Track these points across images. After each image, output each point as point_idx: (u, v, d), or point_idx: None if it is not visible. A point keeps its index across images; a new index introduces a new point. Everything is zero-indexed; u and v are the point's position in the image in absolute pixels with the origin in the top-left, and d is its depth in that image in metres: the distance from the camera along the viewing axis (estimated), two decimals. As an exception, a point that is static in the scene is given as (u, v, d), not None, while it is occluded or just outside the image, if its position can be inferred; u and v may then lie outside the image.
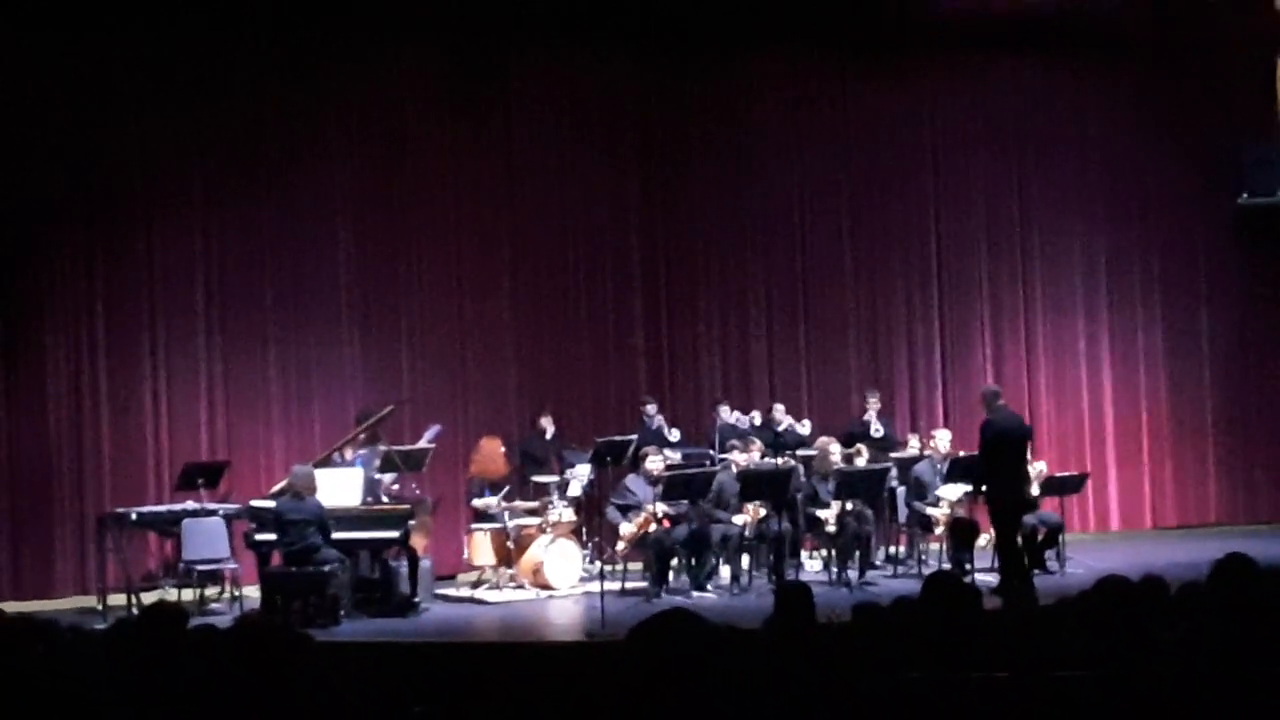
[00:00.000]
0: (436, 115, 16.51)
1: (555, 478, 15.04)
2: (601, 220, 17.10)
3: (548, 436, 15.85)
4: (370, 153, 16.22)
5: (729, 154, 17.50)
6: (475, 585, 14.67)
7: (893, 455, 15.58)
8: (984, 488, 13.18)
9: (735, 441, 14.91)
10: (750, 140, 17.60)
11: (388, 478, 14.31)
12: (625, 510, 13.85)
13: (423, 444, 14.67)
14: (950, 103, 18.20)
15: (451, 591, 14.63)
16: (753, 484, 13.92)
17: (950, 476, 14.29)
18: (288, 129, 15.87)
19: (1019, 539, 13.12)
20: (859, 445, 15.55)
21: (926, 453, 15.12)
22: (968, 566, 13.75)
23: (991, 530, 14.05)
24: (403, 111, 16.39)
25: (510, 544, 14.45)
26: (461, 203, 16.57)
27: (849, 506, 14.11)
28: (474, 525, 14.78)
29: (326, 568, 12.70)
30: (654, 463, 13.93)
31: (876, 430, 16.19)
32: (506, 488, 14.92)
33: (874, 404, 16.59)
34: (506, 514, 14.54)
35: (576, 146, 17.05)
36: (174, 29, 15.15)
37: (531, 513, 14.63)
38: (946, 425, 16.47)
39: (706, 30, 16.93)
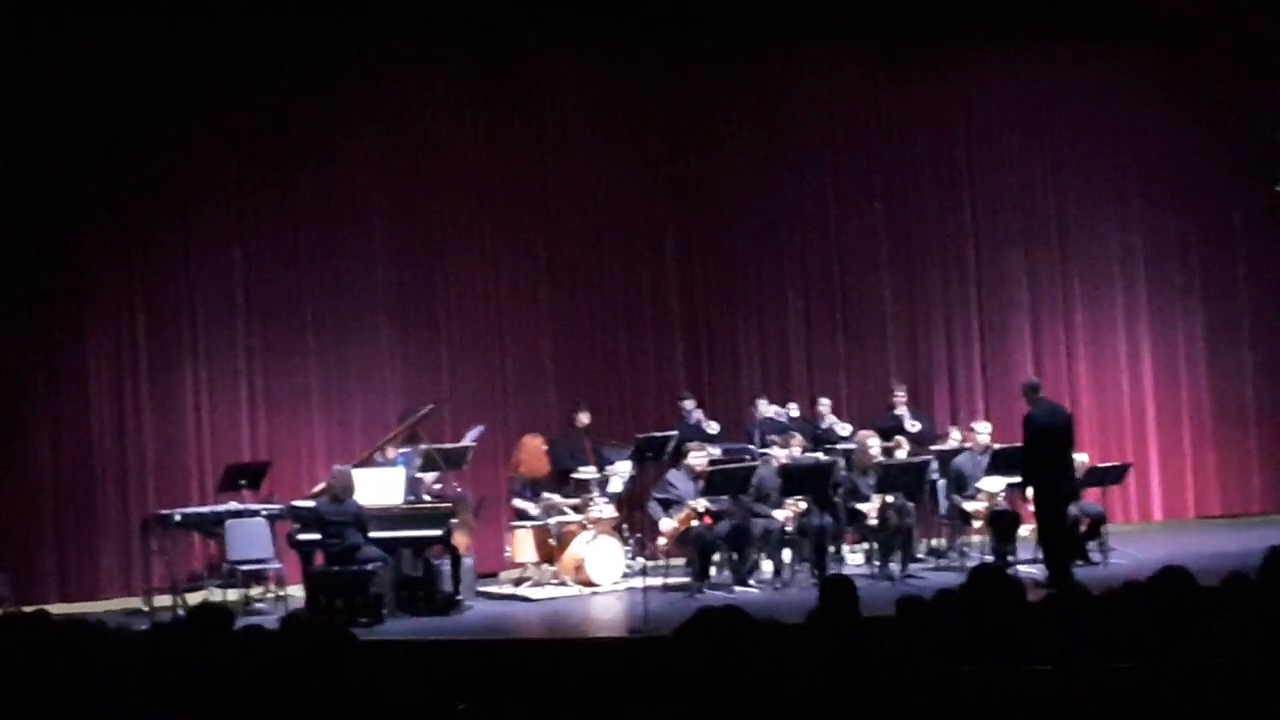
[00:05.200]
0: (469, 112, 16.53)
1: (593, 473, 15.03)
2: (636, 216, 17.09)
3: (584, 432, 15.78)
4: (404, 152, 16.24)
5: (763, 146, 17.45)
6: (517, 582, 14.70)
7: (933, 448, 15.53)
8: (1028, 480, 13.24)
9: (776, 436, 14.89)
10: (783, 132, 17.55)
11: (429, 476, 14.35)
12: (667, 506, 13.86)
13: (464, 443, 14.71)
14: (983, 92, 18.13)
15: (494, 589, 14.67)
16: (794, 478, 13.95)
17: (991, 469, 14.23)
18: (321, 131, 15.90)
19: (1062, 531, 13.15)
20: (898, 438, 15.49)
21: (967, 445, 15.06)
22: (1010, 558, 13.74)
23: (1034, 521, 14.07)
24: (435, 110, 16.42)
25: (552, 541, 14.48)
26: (495, 201, 16.58)
27: (890, 500, 14.09)
28: (515, 522, 14.81)
29: (369, 567, 12.76)
30: (697, 458, 13.93)
31: (912, 425, 16.12)
32: (545, 492, 14.90)
33: (901, 396, 16.51)
34: (547, 511, 14.58)
35: (609, 141, 17.04)
36: (206, 31, 15.19)
37: (573, 509, 14.65)
38: (986, 417, 16.39)
39: (737, 21, 16.89)
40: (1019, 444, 13.66)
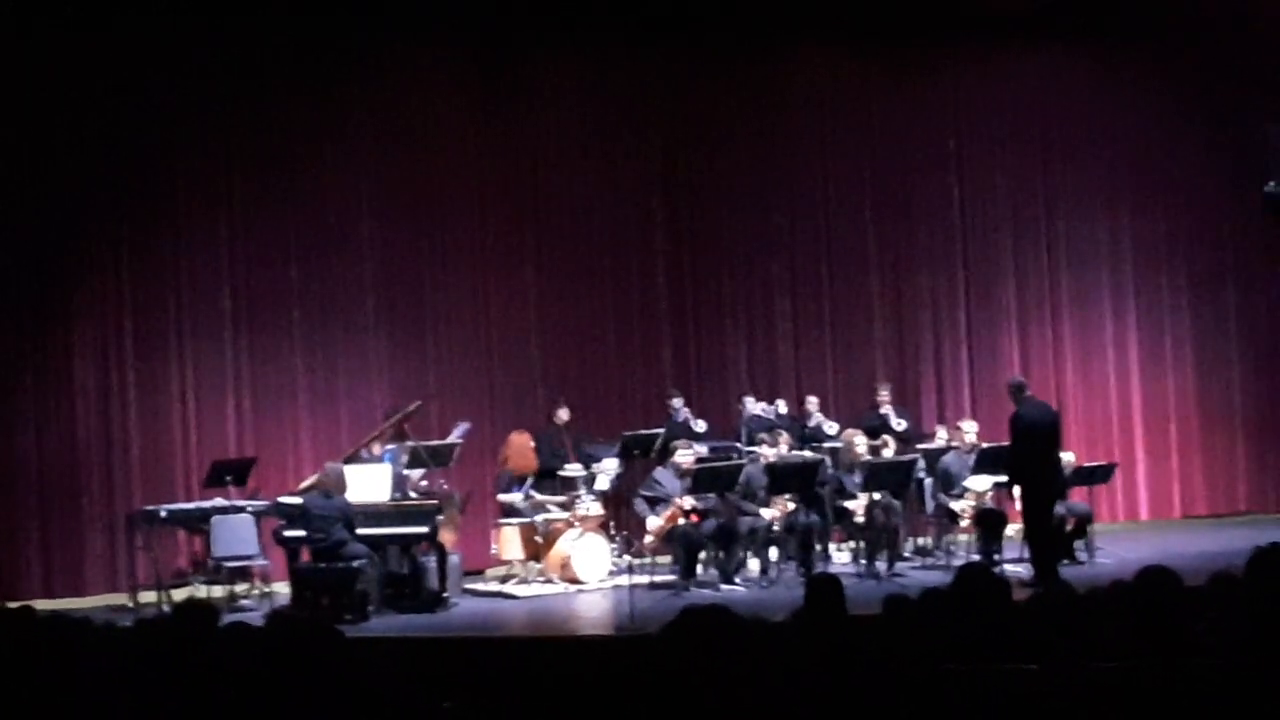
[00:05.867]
0: (461, 111, 16.52)
1: (579, 470, 15.01)
2: (626, 214, 17.09)
3: (563, 428, 15.73)
4: (395, 150, 16.23)
5: (754, 147, 17.45)
6: (504, 580, 14.69)
7: (920, 447, 15.54)
8: (1016, 479, 13.28)
9: (764, 435, 14.90)
10: (775, 132, 17.56)
11: (415, 473, 14.34)
12: (653, 503, 13.86)
13: (450, 440, 14.70)
14: (973, 93, 18.13)
15: (480, 586, 14.66)
16: (781, 477, 13.95)
17: (978, 467, 14.25)
18: (312, 127, 15.88)
19: (1049, 530, 13.18)
20: (885, 437, 15.50)
21: (953, 444, 15.08)
22: (996, 557, 13.76)
23: (1021, 520, 14.12)
24: (427, 108, 16.41)
25: (538, 538, 14.47)
26: (486, 198, 16.57)
27: (876, 498, 14.10)
28: (502, 520, 14.80)
29: (355, 563, 12.75)
30: (683, 456, 13.94)
31: (898, 424, 16.14)
32: (530, 481, 14.88)
33: (885, 395, 16.53)
34: (532, 508, 14.57)
35: (601, 141, 17.04)
36: (198, 29, 15.15)
37: (560, 507, 14.64)
38: (973, 416, 16.40)
39: (731, 23, 16.89)
40: (1006, 443, 13.68)
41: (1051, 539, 13.30)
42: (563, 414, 15.67)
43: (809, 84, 17.73)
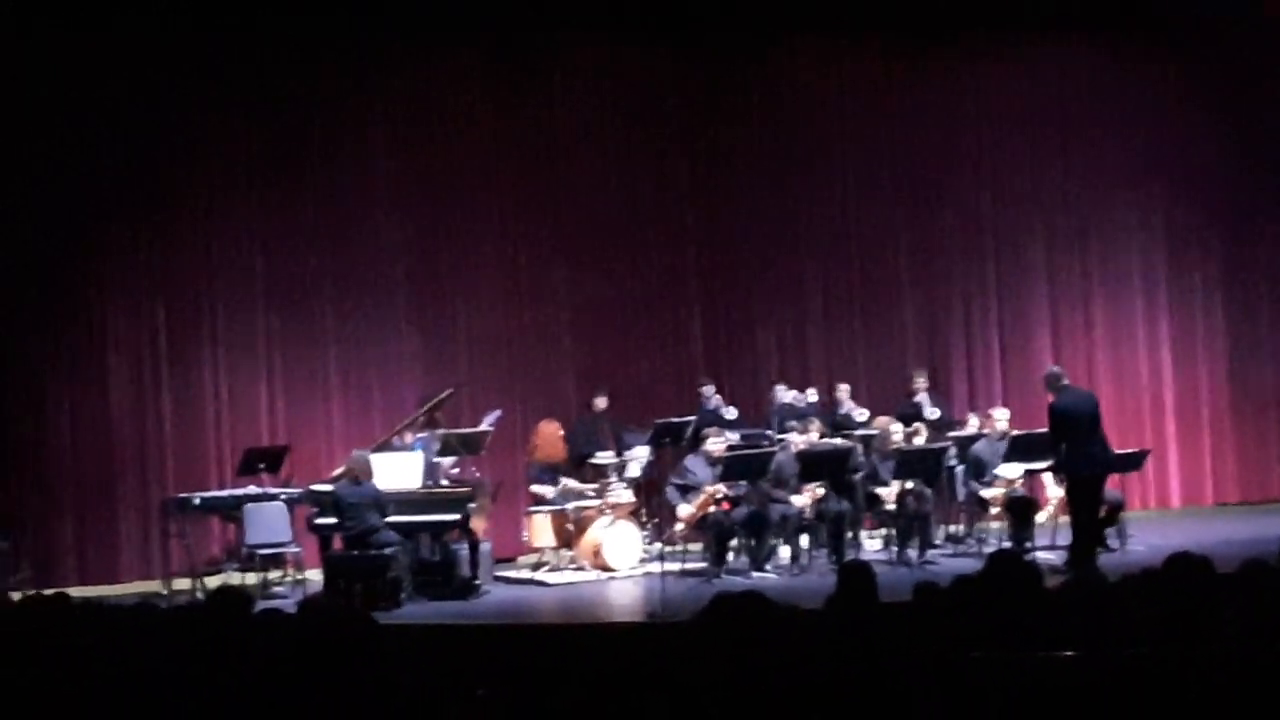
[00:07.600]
0: (486, 100, 16.50)
1: (612, 458, 15.04)
2: (654, 202, 17.03)
3: (602, 416, 15.75)
4: (422, 139, 16.24)
5: (779, 136, 17.37)
6: (535, 567, 14.71)
7: (951, 434, 15.49)
8: (1059, 467, 13.22)
9: (794, 422, 14.88)
10: (803, 119, 17.47)
11: (447, 461, 14.37)
12: (684, 491, 13.86)
13: (482, 427, 14.73)
14: (1003, 79, 17.98)
15: (512, 574, 14.68)
16: (812, 464, 13.94)
17: (1010, 455, 14.20)
18: (341, 119, 15.92)
19: (1094, 517, 13.12)
20: (918, 425, 15.46)
21: (985, 431, 15.02)
22: (1028, 545, 13.72)
23: (1050, 506, 14.09)
24: (452, 97, 16.39)
25: (570, 526, 14.49)
26: (513, 188, 16.55)
27: (908, 485, 14.08)
28: (533, 508, 14.82)
29: (387, 551, 12.80)
30: (714, 444, 13.93)
31: (932, 412, 16.09)
32: (563, 477, 14.88)
33: (921, 383, 16.47)
34: (565, 496, 14.59)
35: (627, 127, 16.96)
36: (224, 25, 15.17)
37: (591, 494, 14.66)
38: (1005, 404, 16.34)
39: (750, 15, 16.83)
40: (1037, 431, 13.62)
41: (1095, 527, 13.21)
42: (601, 402, 15.68)
43: (837, 72, 17.65)
